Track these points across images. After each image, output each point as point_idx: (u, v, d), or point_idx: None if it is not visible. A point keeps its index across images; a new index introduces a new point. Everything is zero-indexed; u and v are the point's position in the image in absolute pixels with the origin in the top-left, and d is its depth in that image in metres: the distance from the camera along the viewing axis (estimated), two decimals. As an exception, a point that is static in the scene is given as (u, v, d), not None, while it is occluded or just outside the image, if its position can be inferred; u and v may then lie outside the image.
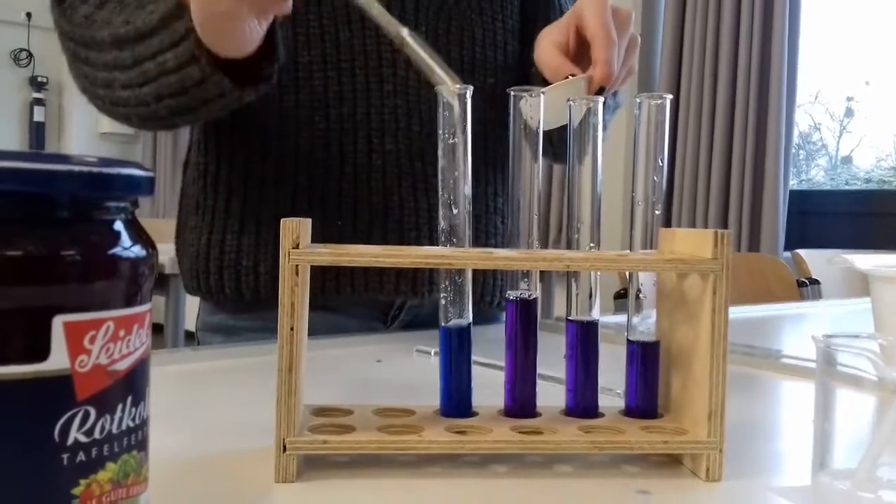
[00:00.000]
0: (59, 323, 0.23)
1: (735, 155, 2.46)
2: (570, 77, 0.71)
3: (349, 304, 0.85)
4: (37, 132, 5.04)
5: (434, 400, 0.47)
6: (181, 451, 0.45)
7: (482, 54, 0.86)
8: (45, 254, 0.23)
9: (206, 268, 0.82)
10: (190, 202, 0.86)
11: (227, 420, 0.52)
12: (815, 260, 1.83)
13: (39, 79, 5.00)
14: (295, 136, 0.80)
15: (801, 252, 1.88)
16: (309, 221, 0.44)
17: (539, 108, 0.48)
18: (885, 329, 0.71)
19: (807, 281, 1.74)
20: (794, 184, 2.65)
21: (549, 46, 0.73)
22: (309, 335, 0.46)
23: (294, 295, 0.40)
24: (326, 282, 0.81)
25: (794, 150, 2.63)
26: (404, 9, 0.81)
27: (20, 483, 0.23)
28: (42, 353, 0.23)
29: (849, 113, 2.93)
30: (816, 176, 3.01)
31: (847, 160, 2.93)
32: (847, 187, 2.81)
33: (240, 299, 0.82)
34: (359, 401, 0.48)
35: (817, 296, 1.74)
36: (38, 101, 5.03)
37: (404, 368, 0.71)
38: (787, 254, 2.14)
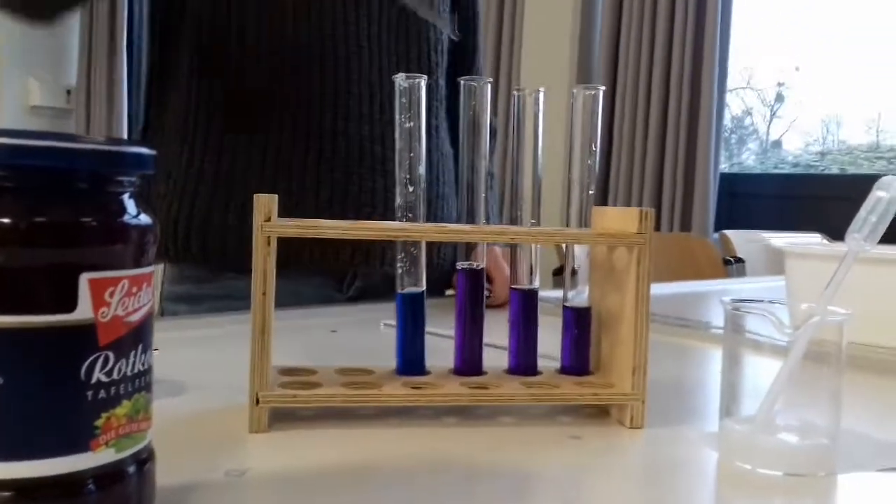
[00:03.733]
0: (84, 280, 0.28)
1: (669, 139, 2.56)
2: None
3: (308, 273, 0.90)
4: (-36, 105, 4.88)
5: (389, 364, 0.52)
6: (160, 407, 0.49)
7: (436, 58, 0.97)
8: (73, 220, 0.27)
9: (173, 231, 0.87)
10: (159, 167, 0.89)
11: (198, 381, 0.56)
12: (741, 240, 1.94)
13: (-34, 50, 4.84)
14: (269, 110, 0.87)
15: (728, 232, 1.98)
16: (276, 197, 0.48)
17: (487, 96, 0.52)
18: (797, 299, 0.79)
19: (732, 259, 1.84)
20: (725, 167, 2.75)
21: None
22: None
23: (266, 263, 0.45)
24: (290, 253, 0.86)
25: (726, 135, 2.73)
26: (370, 14, 0.88)
27: (53, 415, 0.27)
28: (71, 304, 0.27)
29: (779, 98, 3.04)
30: (748, 160, 3.12)
31: (777, 144, 3.05)
32: (776, 171, 2.93)
33: (205, 259, 0.86)
34: (319, 364, 0.53)
35: (742, 273, 1.84)
36: (-34, 73, 4.87)
37: (361, 337, 0.76)
38: (717, 234, 2.24)
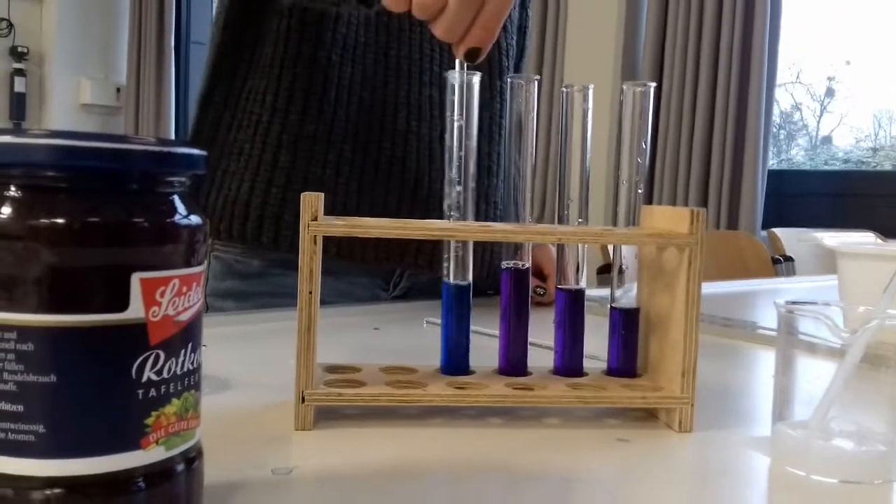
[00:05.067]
0: (136, 279, 0.28)
1: (716, 135, 2.52)
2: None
3: (356, 272, 0.91)
4: (18, 103, 5.00)
5: (432, 363, 0.52)
6: (206, 403, 0.49)
7: (504, 60, 0.97)
8: (126, 220, 0.28)
9: (244, 213, 0.86)
10: (229, 147, 0.89)
11: (244, 378, 0.57)
12: (790, 238, 1.90)
13: (20, 49, 4.96)
14: (346, 106, 0.87)
15: (777, 231, 1.94)
16: (322, 196, 0.48)
17: (534, 94, 0.52)
18: (849, 300, 0.77)
19: (781, 258, 1.81)
20: (774, 164, 2.70)
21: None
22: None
23: (313, 262, 0.45)
24: (341, 251, 0.86)
25: (774, 130, 2.68)
26: None
27: (105, 413, 0.28)
28: (122, 304, 0.28)
29: (829, 93, 2.97)
30: (797, 156, 3.06)
31: (827, 140, 2.99)
32: (826, 167, 2.87)
33: (275, 250, 0.86)
34: (363, 361, 0.53)
35: (791, 272, 1.80)
36: (19, 72, 4.98)
37: (404, 335, 0.76)
38: (765, 232, 2.20)
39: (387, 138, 0.88)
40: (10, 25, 4.93)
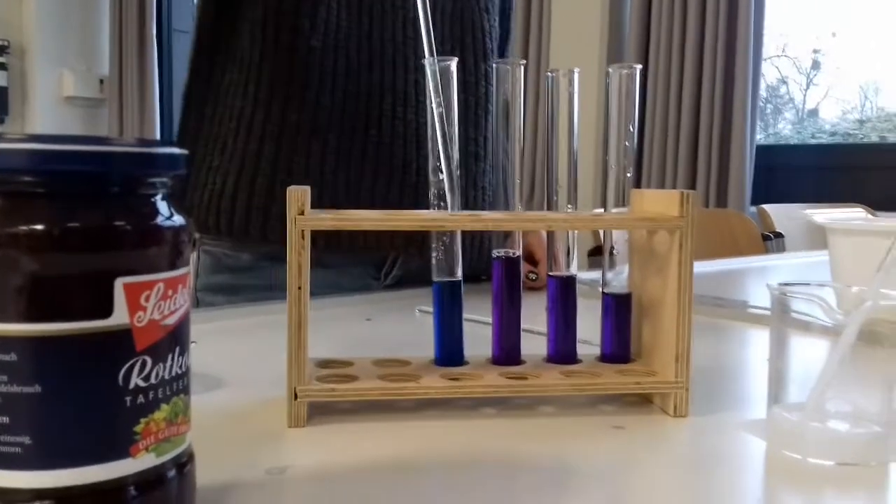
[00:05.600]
0: (119, 284, 0.27)
1: (703, 112, 2.51)
2: None
3: (346, 262, 0.91)
4: (0, 97, 4.94)
5: (425, 353, 0.52)
6: (198, 402, 0.49)
7: (490, 44, 0.97)
8: (107, 224, 0.27)
9: (230, 207, 0.86)
10: (213, 141, 0.89)
11: (236, 375, 0.56)
12: (780, 214, 1.90)
13: (1, 42, 4.90)
14: (330, 94, 0.86)
15: (767, 207, 1.95)
16: (309, 190, 0.47)
17: (520, 78, 0.51)
18: (841, 277, 0.77)
19: (771, 235, 1.81)
20: (761, 138, 2.70)
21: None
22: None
23: (301, 257, 0.44)
24: (329, 242, 0.86)
25: (761, 104, 2.68)
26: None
27: (93, 422, 0.27)
28: (106, 310, 0.27)
29: (815, 65, 2.97)
30: (784, 129, 3.06)
31: (813, 113, 2.98)
32: (813, 141, 2.87)
33: (264, 242, 0.86)
34: (356, 354, 0.52)
35: (781, 249, 1.81)
36: (1, 66, 4.93)
37: (397, 325, 0.76)
38: (754, 209, 2.20)
39: (373, 125, 0.88)
40: (-10, 19, 4.86)
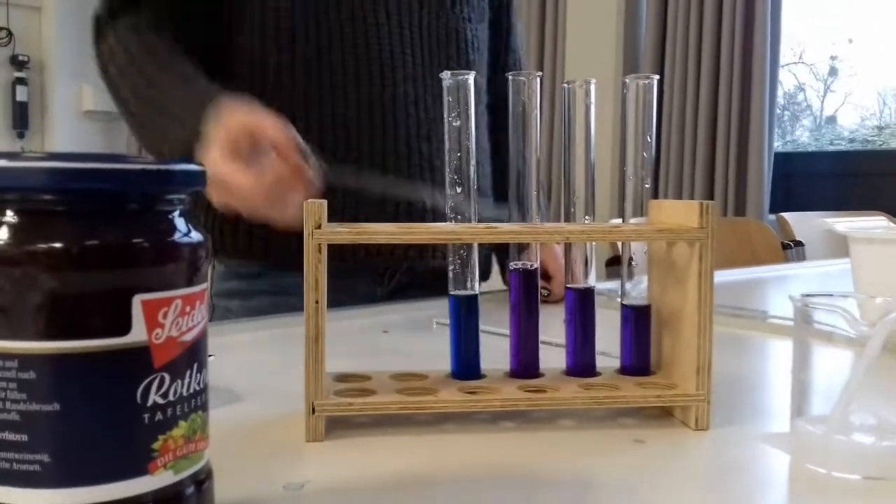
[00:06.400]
0: (137, 301, 0.27)
1: (720, 120, 2.50)
2: None
3: (356, 269, 0.93)
4: (20, 112, 5.00)
5: (443, 365, 0.51)
6: (215, 416, 0.49)
7: (473, 55, 0.98)
8: (125, 242, 0.27)
9: (233, 230, 0.89)
10: None
11: (253, 388, 0.56)
12: (800, 222, 1.88)
13: (20, 57, 4.95)
14: (321, 109, 0.89)
15: (786, 215, 1.93)
16: (325, 204, 0.47)
17: (536, 90, 0.51)
18: (863, 286, 0.76)
19: (791, 243, 1.79)
20: (779, 145, 2.68)
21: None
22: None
23: (318, 271, 0.44)
24: (343, 249, 0.87)
25: (779, 112, 2.66)
26: (411, 12, 0.88)
27: (111, 439, 0.27)
28: (125, 327, 0.27)
29: (833, 72, 2.95)
30: (801, 136, 3.04)
31: (831, 120, 2.96)
32: (831, 147, 2.84)
33: (265, 261, 0.89)
34: (373, 366, 0.52)
35: (801, 257, 1.79)
36: (21, 81, 4.98)
37: (414, 338, 0.76)
38: (773, 217, 2.18)
39: (364, 140, 0.89)
40: (10, 34, 4.92)
